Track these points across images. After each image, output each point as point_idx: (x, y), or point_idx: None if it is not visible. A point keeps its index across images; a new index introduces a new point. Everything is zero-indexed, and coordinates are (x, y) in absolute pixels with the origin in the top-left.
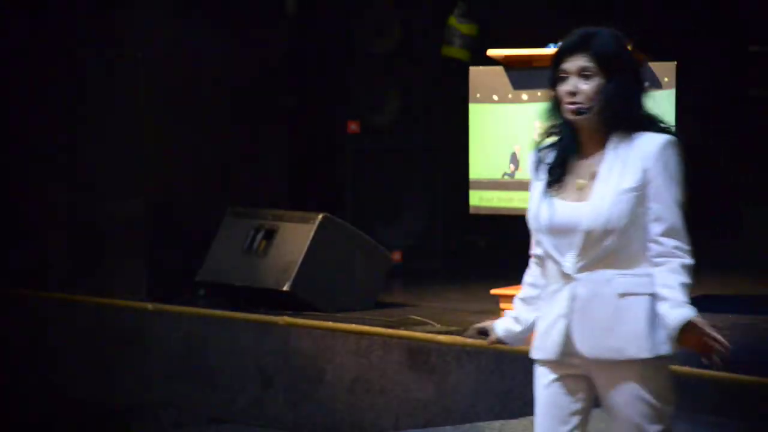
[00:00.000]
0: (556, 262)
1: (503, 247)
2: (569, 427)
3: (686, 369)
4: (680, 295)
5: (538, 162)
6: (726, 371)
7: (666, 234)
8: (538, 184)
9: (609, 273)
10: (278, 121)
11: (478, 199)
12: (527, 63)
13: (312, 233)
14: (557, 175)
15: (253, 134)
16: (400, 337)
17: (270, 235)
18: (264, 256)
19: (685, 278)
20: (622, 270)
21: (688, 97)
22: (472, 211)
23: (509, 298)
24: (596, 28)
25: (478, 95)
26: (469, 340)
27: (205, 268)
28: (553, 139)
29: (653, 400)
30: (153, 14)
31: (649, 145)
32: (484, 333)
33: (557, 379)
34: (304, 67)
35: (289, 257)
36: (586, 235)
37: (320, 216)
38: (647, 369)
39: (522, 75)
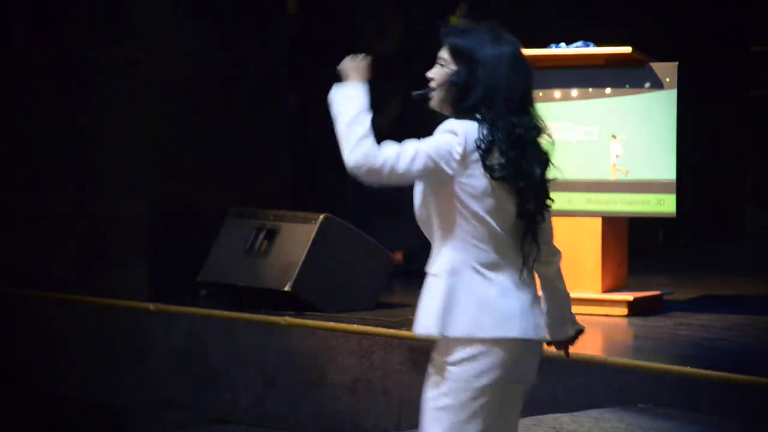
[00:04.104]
0: None
1: None
2: None
3: (686, 369)
4: None
5: None
6: (726, 371)
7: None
8: None
9: (432, 254)
10: (280, 120)
11: None
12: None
13: (313, 233)
14: None
15: (255, 134)
16: (402, 338)
17: (271, 235)
18: (265, 256)
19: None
20: (434, 250)
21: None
22: None
23: None
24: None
25: None
26: None
27: (207, 268)
28: None
29: (435, 374)
30: (154, 14)
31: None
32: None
33: None
34: (306, 66)
35: (290, 257)
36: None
37: (322, 216)
38: (442, 346)
39: None
